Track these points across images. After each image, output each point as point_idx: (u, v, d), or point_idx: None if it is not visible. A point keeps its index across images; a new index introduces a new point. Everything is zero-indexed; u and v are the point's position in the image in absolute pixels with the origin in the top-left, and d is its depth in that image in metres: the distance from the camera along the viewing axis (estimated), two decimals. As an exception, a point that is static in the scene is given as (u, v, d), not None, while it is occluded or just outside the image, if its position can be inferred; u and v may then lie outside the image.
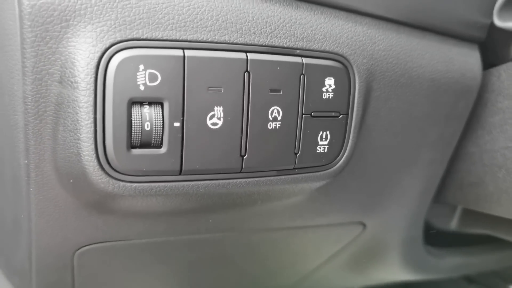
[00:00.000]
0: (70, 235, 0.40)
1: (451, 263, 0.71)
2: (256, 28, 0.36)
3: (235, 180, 0.37)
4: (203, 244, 0.49)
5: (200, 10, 0.34)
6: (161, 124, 0.33)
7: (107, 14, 0.31)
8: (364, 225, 0.55)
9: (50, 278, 0.43)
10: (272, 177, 0.39)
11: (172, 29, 0.33)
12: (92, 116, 0.32)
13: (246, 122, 0.35)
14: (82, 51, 0.31)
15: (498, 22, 0.46)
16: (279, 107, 0.36)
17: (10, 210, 0.41)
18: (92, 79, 0.31)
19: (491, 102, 0.50)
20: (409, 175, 0.51)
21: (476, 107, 0.51)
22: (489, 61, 0.50)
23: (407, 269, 0.67)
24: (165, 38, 0.33)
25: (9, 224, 0.43)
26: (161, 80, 0.32)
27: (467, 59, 0.47)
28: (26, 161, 0.34)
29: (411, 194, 0.54)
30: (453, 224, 0.68)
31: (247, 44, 0.35)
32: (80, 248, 0.42)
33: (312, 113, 0.38)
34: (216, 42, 0.34)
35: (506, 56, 0.49)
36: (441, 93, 0.46)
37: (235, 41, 0.35)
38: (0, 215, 0.44)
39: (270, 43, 0.36)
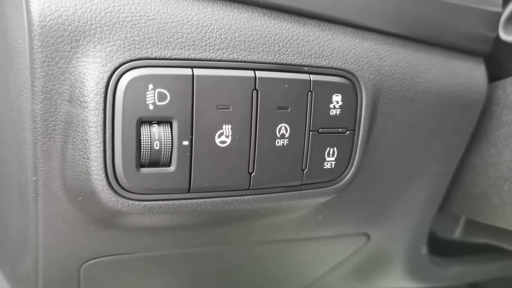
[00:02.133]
0: (77, 249, 0.40)
1: (455, 272, 0.72)
2: (264, 46, 0.36)
3: (242, 197, 0.37)
4: (208, 256, 0.49)
5: (208, 29, 0.34)
6: (170, 143, 0.33)
7: (117, 34, 0.31)
8: (368, 236, 0.55)
9: (56, 291, 0.44)
10: (279, 194, 0.39)
11: (181, 48, 0.33)
12: (101, 135, 0.32)
13: (254, 139, 0.35)
14: (92, 71, 0.31)
15: (504, 36, 0.46)
16: (287, 124, 0.37)
17: (16, 223, 0.41)
18: (102, 99, 0.31)
19: (496, 115, 0.50)
20: (414, 187, 0.51)
21: (482, 120, 0.51)
22: (495, 74, 0.50)
23: (410, 278, 0.67)
24: (174, 57, 0.33)
25: (15, 236, 0.43)
26: (170, 99, 0.32)
27: (473, 73, 0.47)
28: (34, 178, 0.35)
29: (415, 206, 0.54)
30: (457, 234, 0.68)
31: (255, 62, 0.35)
32: (86, 261, 0.42)
33: (320, 130, 0.38)
34: (225, 61, 0.34)
35: (512, 69, 0.49)
36: (447, 107, 0.46)
37: (243, 59, 0.35)
38: (6, 227, 0.44)
39: (278, 61, 0.36)
